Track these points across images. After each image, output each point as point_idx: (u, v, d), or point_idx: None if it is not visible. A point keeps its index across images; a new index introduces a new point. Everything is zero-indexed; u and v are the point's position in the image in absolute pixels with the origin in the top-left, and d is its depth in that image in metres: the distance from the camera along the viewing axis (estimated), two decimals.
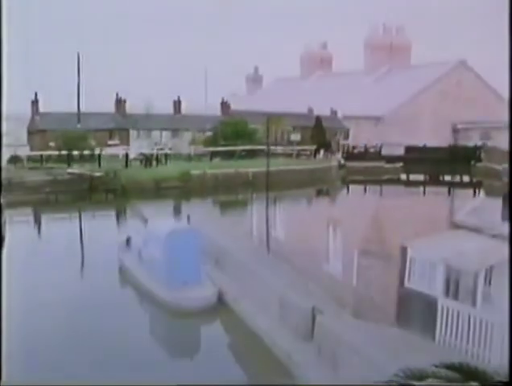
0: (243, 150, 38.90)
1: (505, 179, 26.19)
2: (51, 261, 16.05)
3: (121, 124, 43.34)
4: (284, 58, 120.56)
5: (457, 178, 40.24)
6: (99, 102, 45.16)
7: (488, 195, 32.87)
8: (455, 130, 47.78)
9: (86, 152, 34.10)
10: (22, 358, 9.69)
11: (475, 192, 35.87)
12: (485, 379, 5.25)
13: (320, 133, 43.94)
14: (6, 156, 31.34)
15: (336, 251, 18.36)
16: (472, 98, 46.61)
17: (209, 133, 43.05)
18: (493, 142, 41.12)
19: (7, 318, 9.30)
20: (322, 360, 9.21)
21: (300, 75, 69.13)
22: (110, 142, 40.54)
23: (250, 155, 38.08)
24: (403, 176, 40.42)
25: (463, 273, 8.93)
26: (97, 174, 30.17)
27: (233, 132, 40.97)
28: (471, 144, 44.61)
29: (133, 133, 43.61)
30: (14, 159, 32.41)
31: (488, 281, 9.28)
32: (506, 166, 29.03)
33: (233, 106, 50.21)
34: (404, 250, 9.98)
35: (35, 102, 41.54)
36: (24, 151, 34.44)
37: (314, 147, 42.03)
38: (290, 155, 40.70)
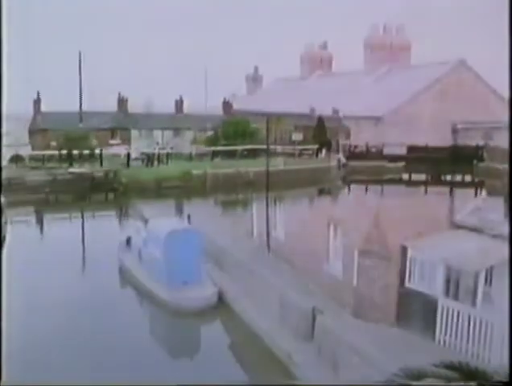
0: (245, 150, 38.87)
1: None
2: (52, 261, 16.06)
3: (123, 123, 43.37)
4: (284, 58, 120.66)
5: (459, 178, 40.16)
6: (100, 101, 45.26)
7: (490, 195, 32.78)
8: (455, 130, 47.62)
9: (87, 151, 34.10)
10: (22, 358, 9.69)
11: (477, 192, 35.79)
12: (485, 378, 5.22)
13: (321, 132, 43.90)
14: (7, 156, 31.39)
15: (337, 251, 18.31)
16: (473, 98, 46.44)
17: (211, 133, 43.04)
18: (495, 142, 41.03)
19: (7, 318, 9.32)
20: (322, 360, 9.21)
21: (300, 75, 68.94)
22: (112, 142, 40.57)
23: (252, 155, 38.02)
24: (405, 176, 40.34)
25: (463, 273, 8.93)
26: (99, 173, 30.19)
27: (234, 131, 40.91)
28: (473, 143, 44.53)
29: (134, 132, 43.67)
30: (16, 159, 32.42)
31: (488, 281, 9.27)
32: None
33: (233, 106, 50.23)
34: (404, 250, 9.98)
35: (37, 101, 41.65)
36: (26, 151, 34.48)
37: (316, 146, 42.01)
38: (292, 155, 40.65)
